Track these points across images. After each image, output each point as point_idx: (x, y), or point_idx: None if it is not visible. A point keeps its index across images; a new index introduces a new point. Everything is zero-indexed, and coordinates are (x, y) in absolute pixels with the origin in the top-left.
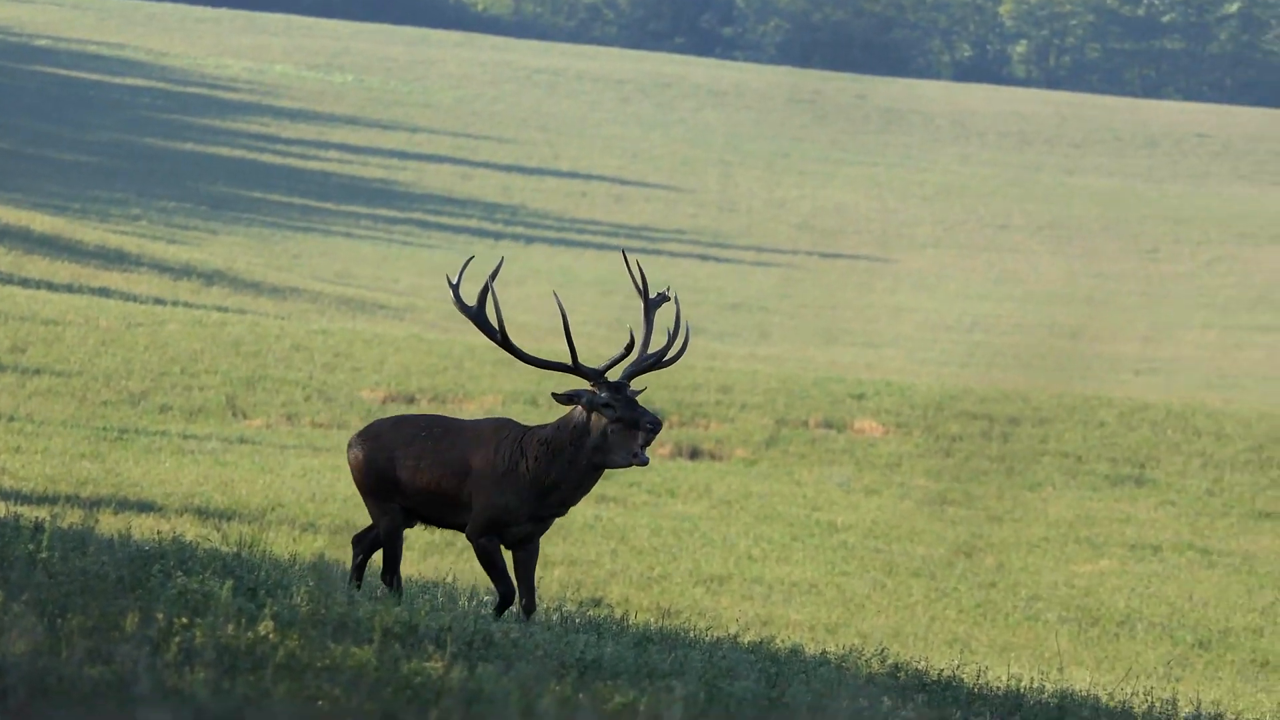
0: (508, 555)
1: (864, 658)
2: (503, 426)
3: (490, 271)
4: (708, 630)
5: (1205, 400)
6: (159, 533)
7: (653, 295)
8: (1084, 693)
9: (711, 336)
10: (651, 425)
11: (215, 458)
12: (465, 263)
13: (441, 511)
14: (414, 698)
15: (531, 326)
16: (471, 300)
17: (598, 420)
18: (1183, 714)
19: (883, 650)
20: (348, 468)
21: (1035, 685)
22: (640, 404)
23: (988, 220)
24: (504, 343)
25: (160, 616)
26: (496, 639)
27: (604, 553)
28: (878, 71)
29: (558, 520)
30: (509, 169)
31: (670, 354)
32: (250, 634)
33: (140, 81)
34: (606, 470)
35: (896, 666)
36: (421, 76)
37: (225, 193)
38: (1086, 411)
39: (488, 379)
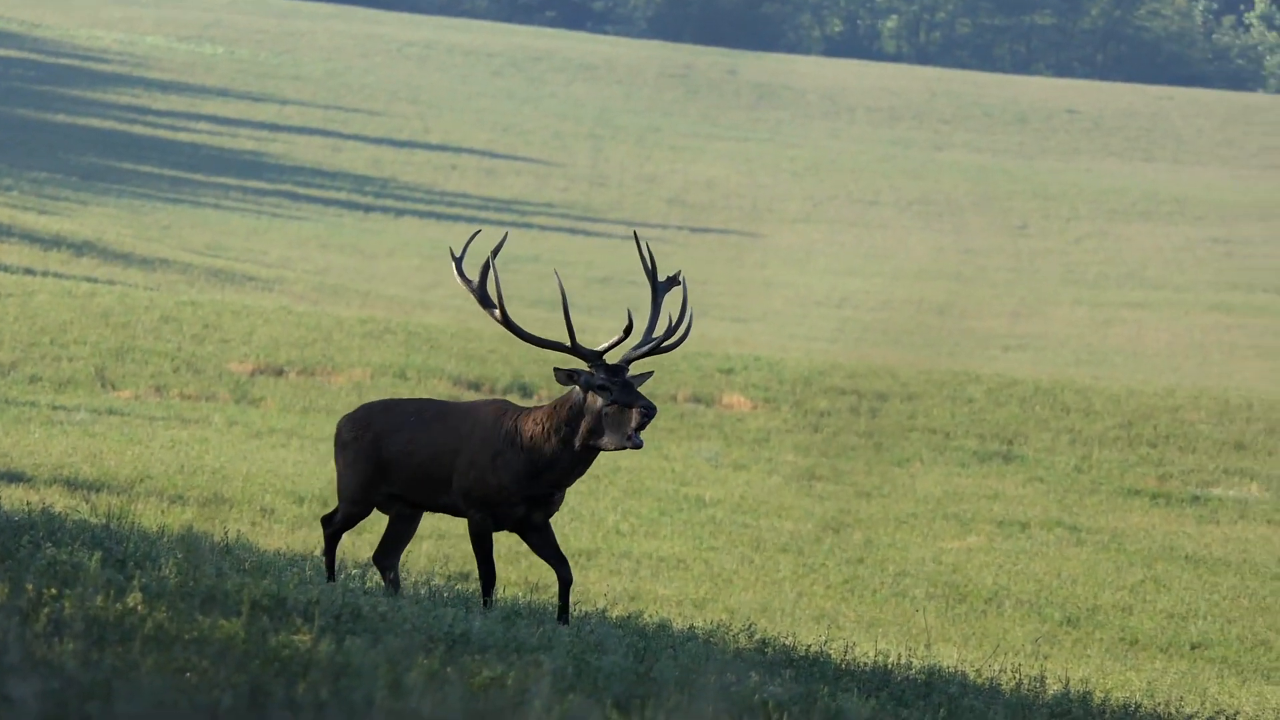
0: (508, 540)
1: (731, 633)
2: (500, 406)
3: (493, 248)
4: (576, 605)
5: (1074, 377)
6: (28, 503)
7: (662, 279)
8: (951, 669)
9: (580, 311)
10: (646, 409)
11: (84, 429)
12: (471, 236)
13: (431, 494)
14: (282, 670)
15: (401, 299)
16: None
17: (594, 401)
18: (1051, 691)
19: (750, 625)
20: (331, 448)
21: (903, 661)
22: (637, 389)
23: (857, 196)
24: (504, 320)
25: (29, 587)
26: (364, 612)
27: None
28: (748, 46)
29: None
30: (379, 142)
31: (671, 340)
32: (119, 605)
33: (12, 53)
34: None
35: (764, 642)
36: (292, 49)
37: (96, 164)
38: (955, 388)
39: (356, 351)
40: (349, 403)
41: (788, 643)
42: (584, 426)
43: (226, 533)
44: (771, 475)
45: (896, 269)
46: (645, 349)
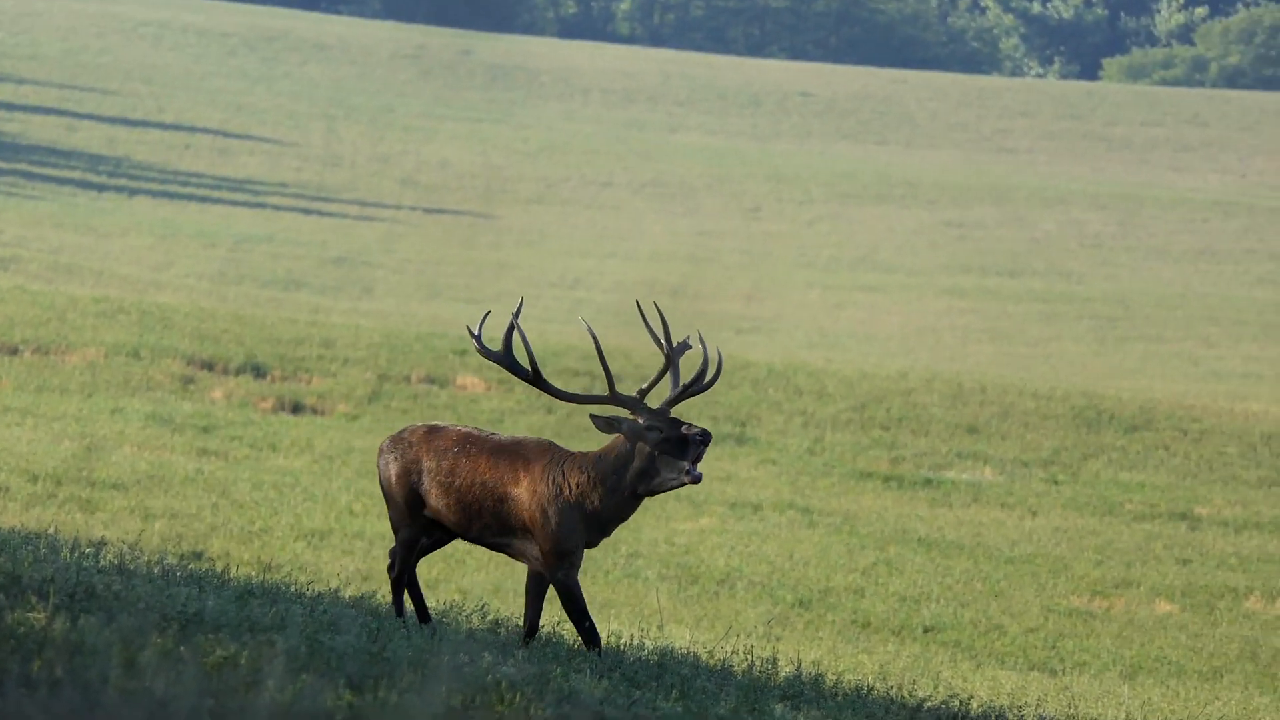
0: (522, 576)
1: (464, 613)
2: (545, 450)
3: (514, 310)
4: (309, 585)
5: (807, 359)
6: None
7: (676, 345)
8: (684, 650)
9: (314, 291)
10: (700, 438)
11: None
12: (484, 316)
13: (472, 528)
14: (17, 648)
15: (135, 278)
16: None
17: (642, 446)
18: (783, 673)
19: (483, 606)
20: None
21: (635, 642)
22: (684, 421)
23: (591, 177)
24: (536, 381)
25: None
26: (99, 591)
27: (205, 506)
28: (483, 27)
29: (161, 473)
30: (114, 121)
31: (705, 380)
32: None
33: None
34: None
35: (497, 622)
36: (28, 28)
37: None
38: (687, 370)
39: (90, 330)
40: (83, 382)
41: (521, 623)
42: (633, 471)
43: None
44: None
45: (630, 251)
46: (680, 393)
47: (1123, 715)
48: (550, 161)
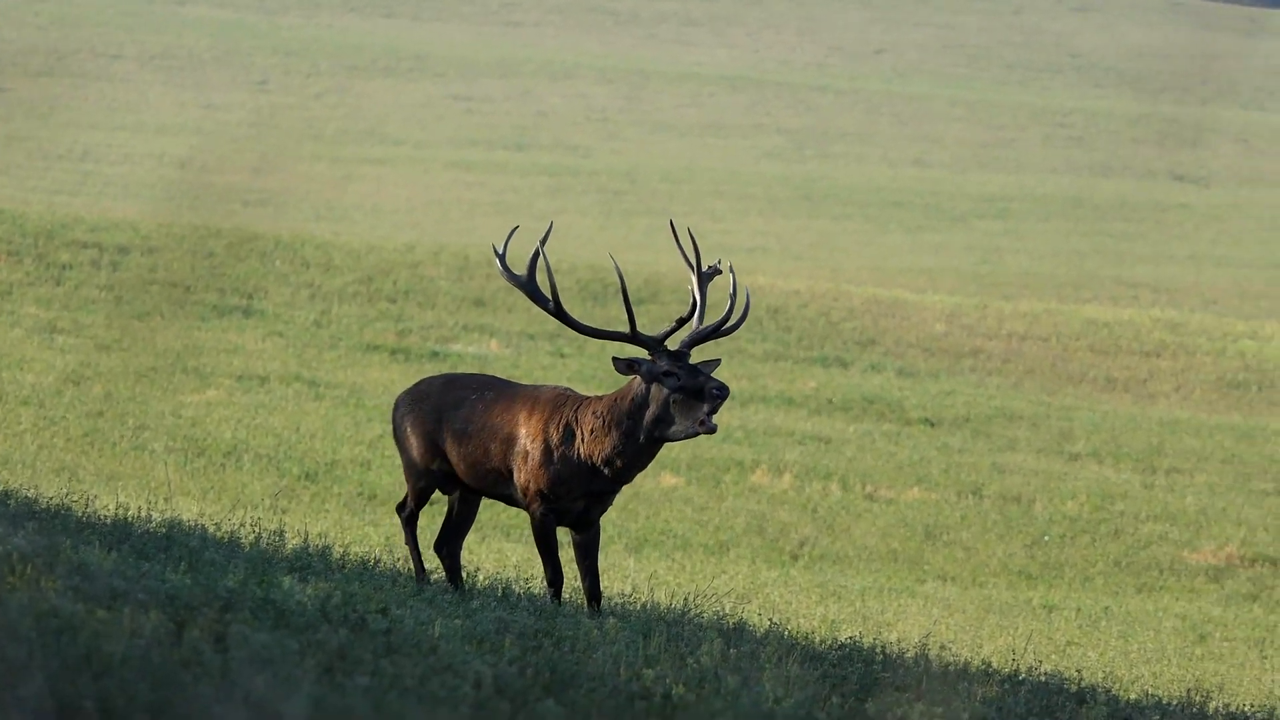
0: (567, 537)
1: None
2: (559, 394)
3: (540, 237)
4: None
5: (314, 232)
6: None
7: (705, 269)
8: (192, 522)
9: None
10: (718, 391)
11: None
12: (510, 232)
13: (488, 478)
14: None
15: None
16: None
17: (658, 391)
18: (290, 545)
19: None
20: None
21: (143, 515)
22: (703, 371)
23: (100, 50)
24: (557, 312)
25: None
26: None
27: None
28: None
29: None
30: None
31: (730, 322)
32: None
33: None
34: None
35: (6, 494)
36: None
37: None
38: (195, 242)
39: None
40: None
41: (30, 495)
42: (649, 416)
43: None
44: (13, 328)
45: (138, 123)
46: (705, 333)
47: (629, 588)
48: (60, 34)
